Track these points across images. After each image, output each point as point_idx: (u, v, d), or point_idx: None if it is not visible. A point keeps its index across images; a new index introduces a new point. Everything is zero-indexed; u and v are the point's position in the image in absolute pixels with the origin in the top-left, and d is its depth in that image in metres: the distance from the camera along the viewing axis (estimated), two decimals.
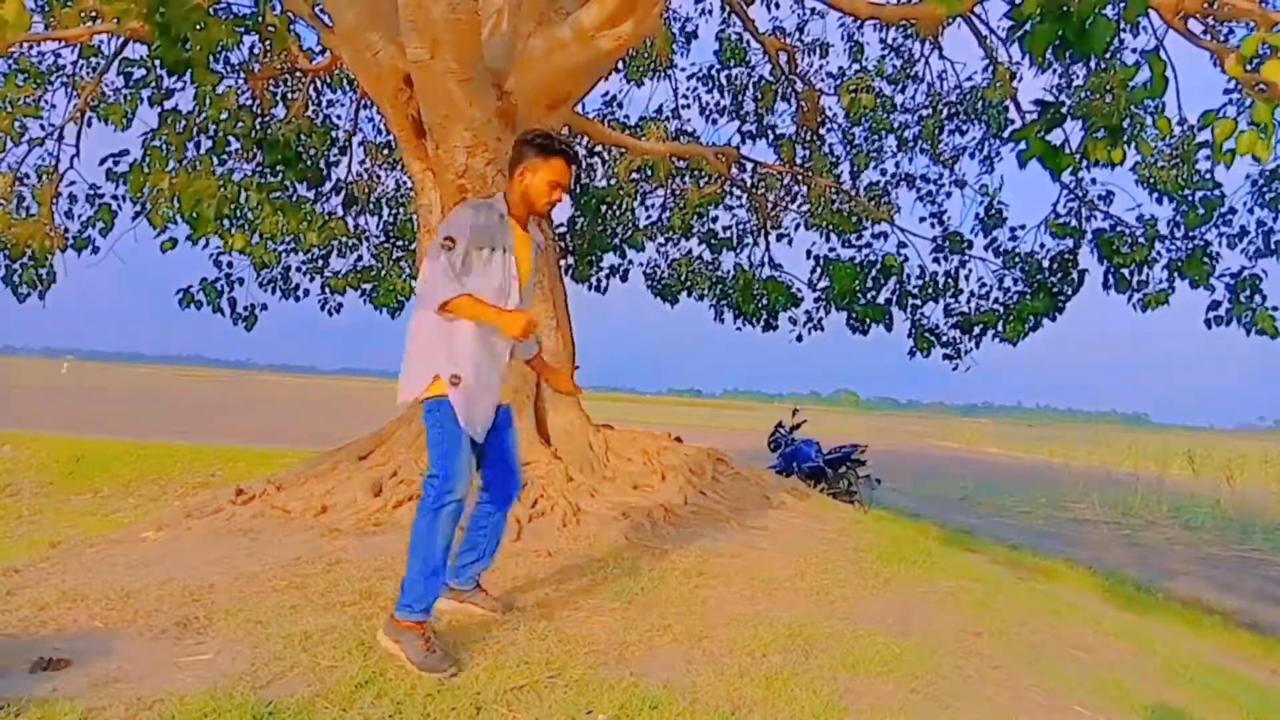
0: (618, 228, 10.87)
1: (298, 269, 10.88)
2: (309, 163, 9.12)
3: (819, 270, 10.08)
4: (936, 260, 10.01)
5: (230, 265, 9.79)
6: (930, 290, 9.88)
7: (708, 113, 11.02)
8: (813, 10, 10.69)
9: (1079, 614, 4.88)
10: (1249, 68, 3.72)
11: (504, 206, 3.10)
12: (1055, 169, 4.21)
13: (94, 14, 7.39)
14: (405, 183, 11.07)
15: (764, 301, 10.43)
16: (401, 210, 11.22)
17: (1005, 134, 10.23)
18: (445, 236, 2.93)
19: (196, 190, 7.13)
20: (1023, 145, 4.05)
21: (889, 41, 10.77)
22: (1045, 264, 9.26)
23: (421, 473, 5.09)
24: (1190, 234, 8.60)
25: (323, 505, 4.87)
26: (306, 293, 11.00)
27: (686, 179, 10.61)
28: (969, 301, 9.92)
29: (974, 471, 23.51)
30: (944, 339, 10.05)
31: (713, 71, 10.84)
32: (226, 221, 8.38)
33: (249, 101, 8.78)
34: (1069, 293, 9.16)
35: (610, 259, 11.05)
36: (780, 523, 5.49)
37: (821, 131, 10.73)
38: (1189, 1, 5.00)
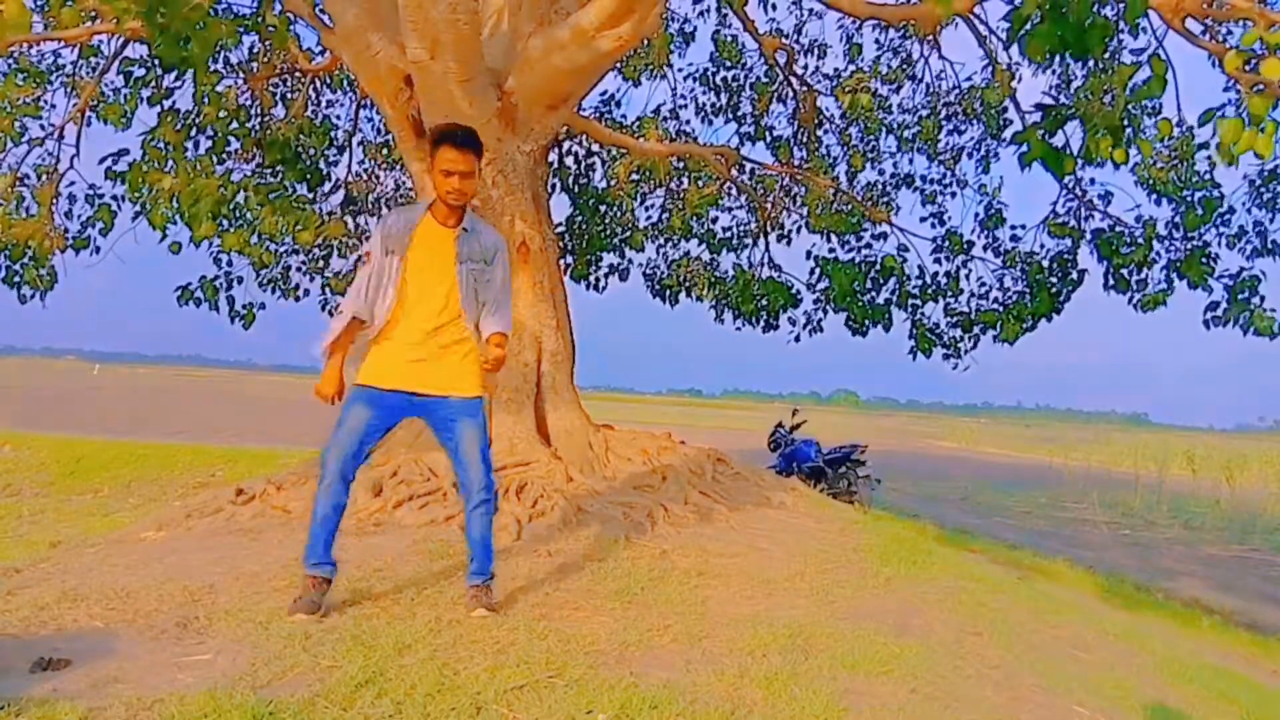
0: (617, 228, 10.85)
1: (298, 269, 10.88)
2: (308, 163, 9.11)
3: (818, 271, 10.07)
4: (937, 260, 10.01)
5: (230, 264, 9.79)
6: (931, 290, 9.88)
7: (704, 114, 11.01)
8: (810, 11, 10.68)
9: (1078, 614, 4.88)
10: (1247, 67, 3.72)
11: (423, 209, 3.21)
12: (1059, 172, 4.21)
13: (94, 14, 7.38)
14: (405, 183, 11.06)
15: (764, 302, 10.42)
16: None
17: (1004, 134, 10.22)
18: (364, 251, 3.17)
19: (194, 189, 7.14)
20: (1024, 147, 4.04)
21: (885, 43, 10.75)
22: (1045, 264, 9.26)
23: (421, 472, 5.12)
24: (1189, 235, 8.59)
25: None
26: (307, 293, 10.99)
27: (686, 180, 10.60)
28: (969, 301, 9.91)
29: (973, 471, 23.53)
30: (945, 339, 10.05)
31: (708, 73, 10.82)
32: (225, 222, 8.37)
33: (249, 101, 8.77)
34: (1068, 293, 9.16)
35: (610, 259, 11.04)
36: (780, 523, 5.49)
37: (819, 133, 10.72)
38: (1188, 1, 4.99)
